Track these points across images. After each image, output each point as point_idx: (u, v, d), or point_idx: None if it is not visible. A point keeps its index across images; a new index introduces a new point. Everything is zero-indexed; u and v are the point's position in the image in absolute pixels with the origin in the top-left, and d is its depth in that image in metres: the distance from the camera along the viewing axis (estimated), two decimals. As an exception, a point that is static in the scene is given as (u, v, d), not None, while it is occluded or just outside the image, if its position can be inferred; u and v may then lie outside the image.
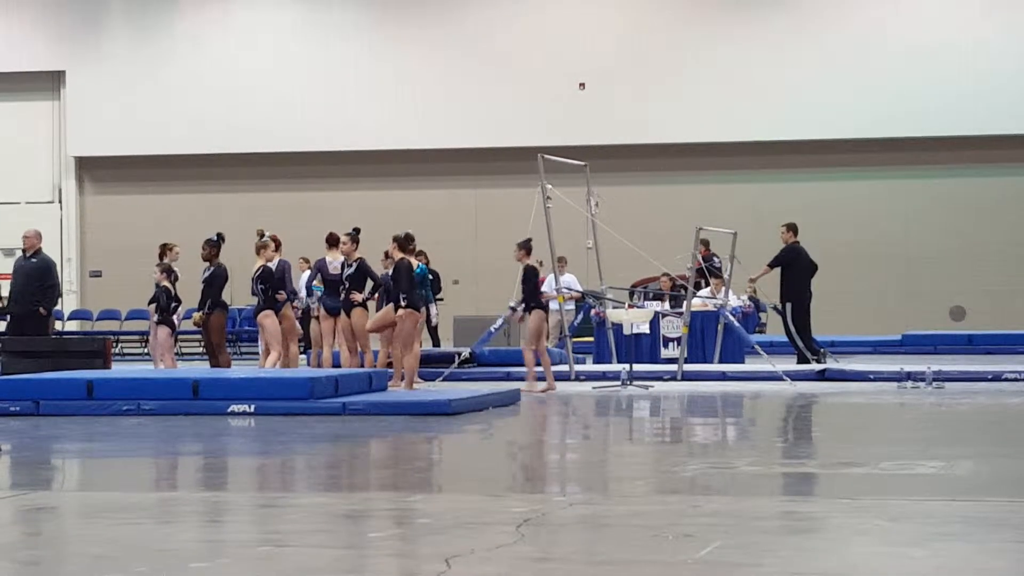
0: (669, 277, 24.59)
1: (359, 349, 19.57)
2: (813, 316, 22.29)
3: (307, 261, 22.64)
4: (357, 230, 19.61)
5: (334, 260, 19.57)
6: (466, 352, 21.60)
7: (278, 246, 19.70)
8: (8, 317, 21.00)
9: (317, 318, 20.17)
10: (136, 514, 8.63)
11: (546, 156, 21.94)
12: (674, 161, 31.86)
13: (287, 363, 19.34)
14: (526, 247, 19.07)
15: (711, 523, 7.97)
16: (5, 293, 22.09)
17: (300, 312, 21.44)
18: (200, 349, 26.31)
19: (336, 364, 19.49)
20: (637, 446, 13.44)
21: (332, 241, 19.70)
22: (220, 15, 32.96)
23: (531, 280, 18.95)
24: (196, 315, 19.48)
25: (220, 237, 19.72)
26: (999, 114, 30.67)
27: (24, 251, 20.32)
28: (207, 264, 19.55)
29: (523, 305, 19.08)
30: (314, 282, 20.51)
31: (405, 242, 18.86)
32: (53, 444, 13.33)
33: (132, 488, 10.15)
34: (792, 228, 22.64)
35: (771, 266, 22.49)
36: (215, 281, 19.38)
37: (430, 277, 21.53)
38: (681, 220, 27.07)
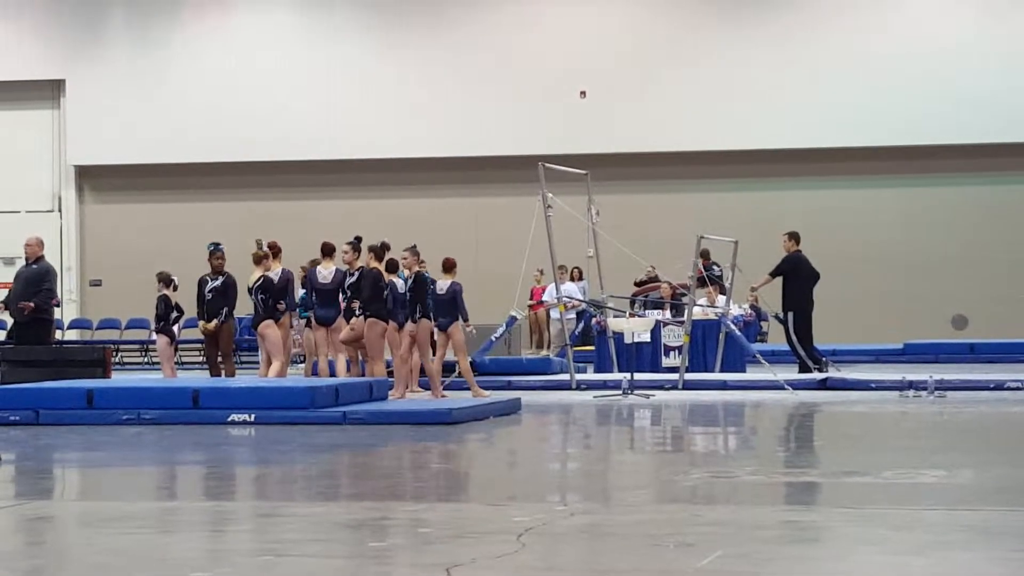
0: (656, 277, 24.55)
1: (360, 358, 19.52)
2: (815, 325, 22.27)
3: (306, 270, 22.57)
4: (359, 239, 19.53)
5: (324, 270, 19.47)
6: (467, 361, 21.56)
7: (277, 253, 19.55)
8: (9, 324, 20.96)
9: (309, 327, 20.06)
10: (137, 523, 8.62)
11: (547, 165, 21.94)
12: (675, 169, 31.83)
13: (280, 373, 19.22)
14: (416, 252, 18.42)
15: (712, 532, 7.96)
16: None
17: (304, 323, 21.35)
18: (201, 359, 26.23)
19: (331, 374, 19.44)
20: (638, 455, 13.43)
21: (327, 251, 19.59)
22: (220, 24, 32.95)
23: (421, 288, 18.17)
24: (212, 323, 19.09)
25: (216, 246, 19.38)
26: (1000, 122, 30.63)
27: (27, 259, 20.28)
28: (216, 274, 19.29)
29: (414, 314, 18.15)
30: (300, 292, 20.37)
31: (381, 251, 18.71)
32: (53, 453, 13.32)
33: (133, 497, 10.14)
34: (794, 237, 22.62)
35: (772, 275, 22.46)
36: (229, 290, 19.20)
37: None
38: (682, 229, 27.03)
